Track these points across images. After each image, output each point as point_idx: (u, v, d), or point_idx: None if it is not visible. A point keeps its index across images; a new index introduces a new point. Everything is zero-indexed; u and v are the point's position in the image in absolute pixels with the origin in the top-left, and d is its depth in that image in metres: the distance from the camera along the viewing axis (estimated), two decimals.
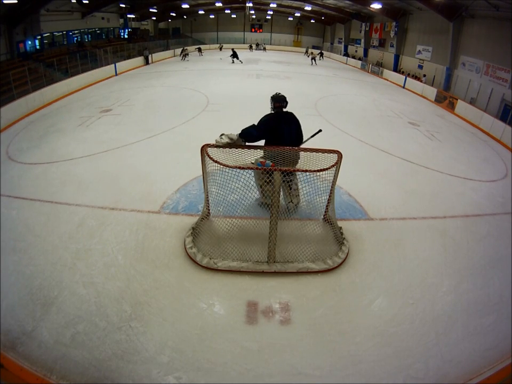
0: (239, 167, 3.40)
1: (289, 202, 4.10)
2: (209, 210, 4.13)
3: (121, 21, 24.75)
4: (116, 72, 16.34)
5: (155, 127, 7.80)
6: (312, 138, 4.15)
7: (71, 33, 19.19)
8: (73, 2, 16.86)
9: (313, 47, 33.48)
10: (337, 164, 3.55)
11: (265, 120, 3.83)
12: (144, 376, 2.51)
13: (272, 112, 3.98)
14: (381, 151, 7.18)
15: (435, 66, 16.11)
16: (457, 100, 12.35)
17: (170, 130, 7.67)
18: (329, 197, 3.94)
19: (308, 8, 24.51)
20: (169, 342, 2.75)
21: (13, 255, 3.64)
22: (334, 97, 12.62)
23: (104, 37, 23.16)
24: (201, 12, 30.65)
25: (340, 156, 3.54)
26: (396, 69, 20.15)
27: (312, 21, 33.30)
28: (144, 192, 4.93)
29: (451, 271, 3.74)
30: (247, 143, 3.78)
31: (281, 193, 3.69)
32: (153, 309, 3.03)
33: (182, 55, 23.02)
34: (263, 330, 2.91)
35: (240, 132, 3.69)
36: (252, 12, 30.87)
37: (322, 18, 30.43)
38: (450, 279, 3.62)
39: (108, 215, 4.39)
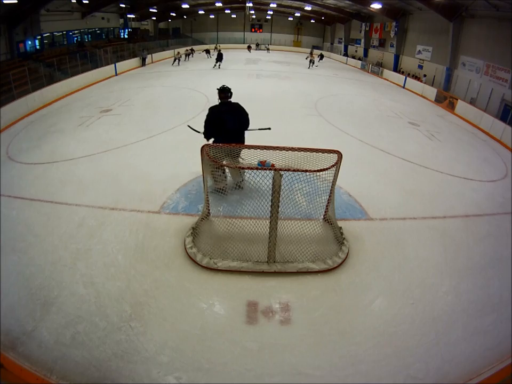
0: (239, 167, 3.41)
1: (241, 181, 4.60)
2: (209, 210, 4.13)
3: (121, 21, 24.72)
4: (116, 72, 16.34)
5: (155, 127, 7.81)
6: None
7: (71, 33, 19.19)
8: (73, 2, 16.86)
9: (313, 47, 33.46)
10: (337, 164, 3.55)
11: (209, 113, 4.41)
12: (144, 376, 2.51)
13: (217, 104, 4.50)
14: (381, 151, 7.18)
15: (435, 66, 16.11)
16: (457, 100, 12.35)
17: (171, 130, 7.67)
18: (329, 197, 3.94)
19: (308, 8, 24.51)
20: (169, 342, 2.75)
21: (13, 255, 3.64)
22: (334, 97, 12.63)
23: (104, 37, 23.15)
24: (201, 12, 30.64)
25: (339, 155, 3.54)
26: (396, 69, 20.15)
27: (312, 21, 33.29)
28: (144, 192, 4.93)
29: (451, 271, 3.74)
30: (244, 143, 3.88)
31: (229, 175, 4.50)
32: (153, 309, 3.03)
33: (174, 60, 20.26)
34: (263, 330, 2.91)
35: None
36: (252, 12, 30.85)
37: (322, 18, 30.43)
38: (450, 279, 3.62)
39: (108, 215, 4.39)
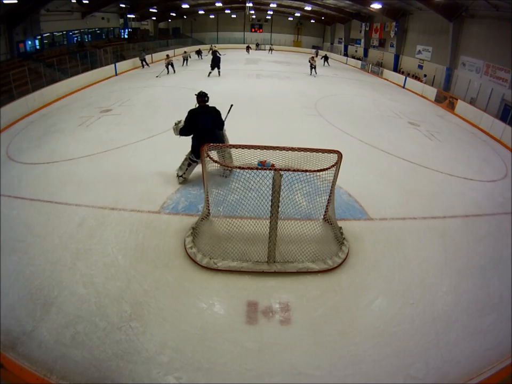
0: (239, 167, 3.41)
1: (225, 170, 4.91)
2: (209, 210, 4.14)
3: (121, 21, 24.74)
4: (116, 72, 16.34)
5: (155, 127, 7.81)
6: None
7: (71, 33, 19.19)
8: (73, 2, 16.87)
9: (313, 47, 33.42)
10: (337, 164, 3.55)
11: (187, 117, 4.84)
12: (144, 376, 2.51)
13: (195, 107, 4.99)
14: (381, 151, 7.18)
15: (435, 66, 16.10)
16: (457, 100, 12.35)
17: (171, 130, 7.64)
18: (329, 197, 3.94)
19: (308, 8, 24.50)
20: (169, 342, 2.75)
21: (13, 255, 3.64)
22: (334, 97, 12.63)
23: (104, 37, 23.15)
24: (201, 12, 30.64)
25: (339, 156, 3.54)
26: (396, 69, 20.14)
27: (312, 21, 33.28)
28: (144, 192, 4.93)
29: (451, 271, 3.74)
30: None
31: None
32: (153, 309, 3.03)
33: (184, 60, 19.19)
34: (263, 330, 2.91)
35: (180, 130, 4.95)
36: (252, 12, 30.84)
37: (322, 18, 30.42)
38: (450, 279, 3.62)
39: (108, 215, 4.39)
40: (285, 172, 3.29)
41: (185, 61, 19.33)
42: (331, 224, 4.10)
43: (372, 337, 2.88)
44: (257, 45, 33.22)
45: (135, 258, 3.64)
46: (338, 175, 3.76)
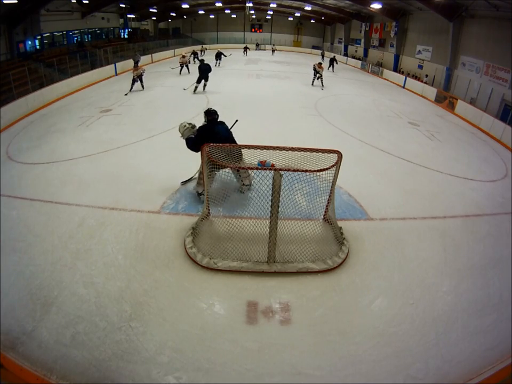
0: (239, 167, 3.41)
1: (242, 185, 4.77)
2: (209, 210, 4.13)
3: (121, 21, 24.73)
4: (116, 72, 16.32)
5: (155, 127, 7.81)
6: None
7: (71, 33, 19.18)
8: (73, 2, 16.86)
9: (313, 47, 33.40)
10: (337, 164, 3.55)
11: (200, 132, 4.46)
12: (144, 376, 2.51)
13: (205, 123, 4.59)
14: (381, 151, 7.18)
15: (435, 66, 16.11)
16: (457, 100, 12.35)
17: (171, 130, 7.65)
18: (329, 197, 3.94)
19: (308, 8, 24.50)
20: (169, 342, 2.75)
21: (13, 255, 3.64)
22: (334, 97, 12.62)
23: (104, 37, 23.15)
24: (201, 12, 30.64)
25: (339, 155, 3.54)
26: (396, 69, 20.14)
27: (312, 21, 33.28)
28: (144, 192, 4.93)
29: (451, 271, 3.74)
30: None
31: (234, 178, 4.69)
32: (153, 309, 3.03)
33: (181, 63, 15.91)
34: (263, 330, 2.91)
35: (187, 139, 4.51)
36: (252, 12, 30.84)
37: (322, 18, 30.42)
38: (450, 279, 3.62)
39: (108, 215, 4.39)
40: (285, 171, 3.29)
41: (182, 68, 16.02)
42: (331, 224, 4.10)
43: (371, 337, 2.88)
44: (257, 45, 33.18)
45: (135, 258, 3.64)
46: (338, 175, 3.76)
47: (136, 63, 16.55)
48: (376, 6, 16.76)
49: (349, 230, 4.19)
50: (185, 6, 26.56)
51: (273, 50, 28.92)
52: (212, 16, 34.53)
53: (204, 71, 11.34)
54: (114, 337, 2.75)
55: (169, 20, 31.60)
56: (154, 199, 4.74)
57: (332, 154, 3.51)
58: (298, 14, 29.38)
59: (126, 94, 11.55)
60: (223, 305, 3.17)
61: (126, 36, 25.26)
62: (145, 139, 7.13)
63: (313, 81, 14.14)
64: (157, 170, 5.62)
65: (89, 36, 21.41)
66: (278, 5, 27.58)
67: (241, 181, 4.78)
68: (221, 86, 13.18)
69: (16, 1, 12.05)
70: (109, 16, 22.77)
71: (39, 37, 16.04)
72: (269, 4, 25.88)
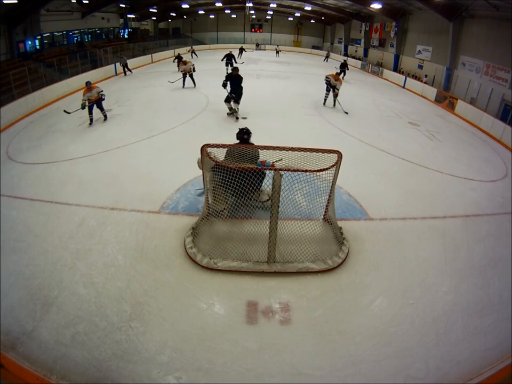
0: (239, 167, 3.41)
1: (262, 202, 4.42)
2: (209, 210, 4.13)
3: (121, 21, 24.72)
4: (115, 72, 16.32)
5: (155, 127, 7.80)
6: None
7: (71, 33, 19.17)
8: (73, 2, 16.85)
9: (313, 47, 33.38)
10: (337, 164, 3.55)
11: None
12: (144, 376, 2.51)
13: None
14: (381, 151, 7.18)
15: (435, 66, 16.10)
16: (457, 100, 12.34)
17: (171, 130, 7.67)
18: (329, 197, 3.95)
19: (308, 8, 24.49)
20: (169, 342, 2.75)
21: (13, 255, 3.64)
22: None
23: (104, 37, 23.14)
24: (201, 12, 30.62)
25: (339, 155, 3.54)
26: (396, 69, 20.14)
27: (312, 21, 33.27)
28: (144, 192, 4.93)
29: (451, 271, 3.74)
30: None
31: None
32: (153, 309, 3.03)
33: (184, 73, 12.56)
34: (263, 330, 2.91)
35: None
36: (252, 11, 30.80)
37: (322, 18, 30.41)
38: (450, 279, 3.62)
39: (108, 215, 4.39)
40: (285, 171, 3.30)
41: (185, 79, 12.67)
42: (331, 224, 4.10)
43: (372, 337, 2.88)
44: (257, 45, 33.11)
45: (135, 258, 3.64)
46: (338, 175, 3.76)
47: (123, 66, 15.98)
48: (376, 6, 16.76)
49: (349, 230, 4.19)
50: (185, 6, 26.55)
51: (277, 52, 25.99)
52: (211, 16, 34.51)
53: (237, 86, 8.18)
54: (114, 337, 2.75)
55: (169, 20, 31.59)
56: (154, 199, 4.74)
57: (331, 154, 3.51)
58: (298, 14, 29.37)
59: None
60: (223, 305, 3.17)
61: (126, 36, 25.27)
62: (145, 139, 7.13)
63: (325, 100, 10.18)
64: (157, 170, 5.62)
65: (89, 36, 21.39)
66: (278, 5, 27.57)
67: (259, 197, 4.36)
68: (221, 86, 13.12)
69: (16, 1, 12.05)
70: (109, 16, 22.76)
71: (39, 37, 16.03)
72: (269, 4, 25.85)
